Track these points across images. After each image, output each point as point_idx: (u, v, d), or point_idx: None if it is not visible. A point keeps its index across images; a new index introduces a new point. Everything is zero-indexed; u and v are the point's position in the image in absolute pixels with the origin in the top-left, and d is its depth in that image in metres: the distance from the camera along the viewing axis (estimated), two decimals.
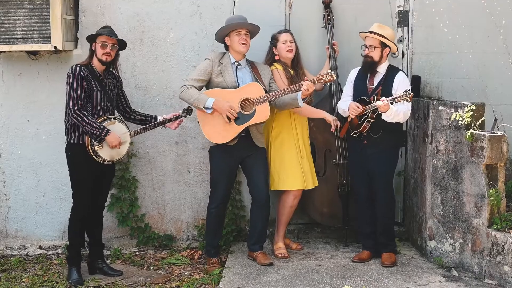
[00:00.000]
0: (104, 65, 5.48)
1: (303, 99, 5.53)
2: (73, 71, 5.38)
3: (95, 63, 5.47)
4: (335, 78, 5.51)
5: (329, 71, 5.50)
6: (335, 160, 6.08)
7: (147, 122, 5.77)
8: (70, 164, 5.55)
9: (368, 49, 5.62)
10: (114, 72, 5.65)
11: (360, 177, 5.77)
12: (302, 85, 5.44)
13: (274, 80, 5.79)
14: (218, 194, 5.72)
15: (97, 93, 5.43)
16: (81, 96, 5.34)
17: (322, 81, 5.48)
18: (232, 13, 6.26)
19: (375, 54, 5.61)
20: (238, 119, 5.54)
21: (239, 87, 5.61)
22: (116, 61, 5.60)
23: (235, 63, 5.69)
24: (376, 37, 5.58)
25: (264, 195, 5.68)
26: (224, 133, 5.55)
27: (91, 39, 5.48)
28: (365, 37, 5.67)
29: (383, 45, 5.61)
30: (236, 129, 5.54)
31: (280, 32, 5.92)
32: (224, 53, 5.75)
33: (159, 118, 5.79)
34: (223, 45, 5.79)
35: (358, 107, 5.50)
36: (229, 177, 5.74)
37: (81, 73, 5.37)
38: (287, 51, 5.85)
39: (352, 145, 5.85)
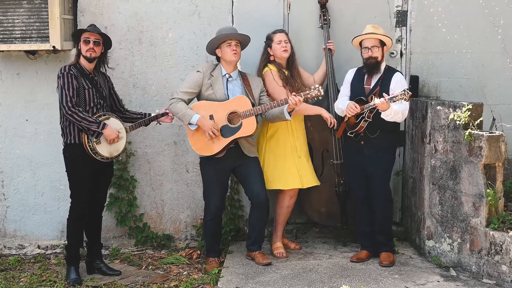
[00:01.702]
0: (91, 62, 5.49)
1: (289, 112, 5.52)
2: (63, 71, 5.40)
3: (83, 61, 5.48)
4: (322, 93, 5.47)
5: (317, 86, 5.48)
6: (332, 160, 6.08)
7: (141, 119, 5.78)
8: (67, 164, 5.55)
9: (371, 50, 5.60)
10: (103, 71, 5.66)
11: (357, 177, 5.76)
12: (289, 99, 5.44)
13: (266, 86, 5.78)
14: (212, 205, 5.71)
15: (89, 91, 5.44)
16: (74, 93, 5.34)
17: (309, 96, 5.46)
18: (230, 13, 6.27)
19: (379, 54, 5.61)
20: (225, 132, 5.55)
21: (228, 99, 5.61)
22: (103, 59, 5.62)
23: (226, 75, 5.68)
24: (377, 36, 5.58)
25: (263, 199, 5.66)
26: (211, 145, 5.56)
27: (77, 37, 5.49)
28: (362, 40, 5.64)
29: (382, 44, 5.63)
30: (222, 142, 5.55)
31: (275, 32, 5.90)
32: (216, 64, 5.75)
33: (153, 114, 5.79)
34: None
35: (356, 107, 5.50)
36: (221, 187, 5.73)
37: (71, 72, 5.39)
38: (283, 51, 5.84)
39: (348, 147, 5.84)
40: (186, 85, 5.66)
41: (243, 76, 5.76)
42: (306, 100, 5.59)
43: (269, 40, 5.90)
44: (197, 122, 5.52)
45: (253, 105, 5.57)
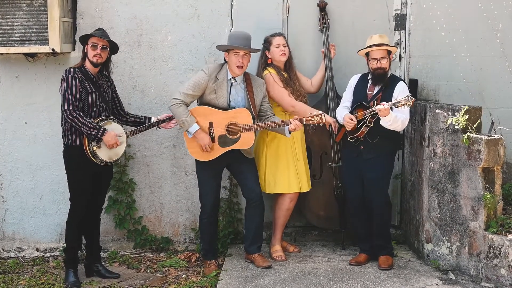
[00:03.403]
0: (96, 67, 5.50)
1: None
2: (67, 74, 5.40)
3: (88, 65, 5.49)
4: (324, 121, 5.52)
5: (320, 112, 5.53)
6: (331, 163, 6.08)
7: (141, 123, 5.79)
8: (67, 167, 5.55)
9: (380, 61, 5.59)
10: (106, 74, 5.67)
11: (356, 181, 5.75)
12: (290, 123, 5.50)
13: (267, 89, 5.78)
14: (207, 203, 5.73)
15: (92, 94, 5.44)
16: (76, 97, 5.35)
17: (310, 122, 5.52)
18: (229, 16, 6.27)
19: (387, 64, 5.61)
20: (223, 142, 5.58)
21: (229, 105, 5.62)
22: (108, 63, 5.62)
23: (231, 79, 5.66)
24: (386, 47, 5.58)
25: (257, 195, 5.69)
26: (207, 151, 5.58)
27: (84, 41, 5.50)
28: (368, 51, 5.61)
29: (389, 53, 5.63)
30: (218, 151, 5.60)
31: (273, 36, 5.90)
32: (222, 65, 5.71)
33: (153, 119, 5.81)
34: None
35: (352, 120, 5.50)
36: (215, 182, 5.75)
37: (75, 75, 5.39)
38: (281, 55, 5.84)
39: (347, 151, 5.84)
40: (190, 87, 5.61)
41: (246, 79, 5.72)
42: (307, 125, 5.67)
43: (267, 43, 5.90)
44: (194, 134, 5.55)
45: (254, 118, 5.58)
